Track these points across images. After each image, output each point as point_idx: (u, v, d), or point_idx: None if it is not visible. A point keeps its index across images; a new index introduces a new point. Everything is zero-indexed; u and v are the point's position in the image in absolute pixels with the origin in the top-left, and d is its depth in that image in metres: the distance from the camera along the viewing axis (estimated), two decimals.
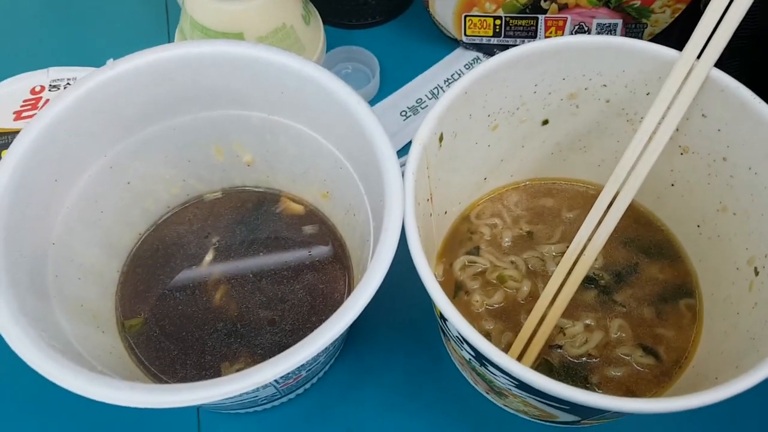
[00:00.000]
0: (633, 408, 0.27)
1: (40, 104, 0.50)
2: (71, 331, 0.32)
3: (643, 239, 0.42)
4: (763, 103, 0.34)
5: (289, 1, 0.45)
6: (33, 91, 0.50)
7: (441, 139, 0.36)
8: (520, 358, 0.37)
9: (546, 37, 0.52)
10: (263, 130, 0.39)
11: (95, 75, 0.34)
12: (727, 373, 0.31)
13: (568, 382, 0.28)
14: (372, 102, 0.53)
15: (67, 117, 0.33)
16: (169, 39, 0.58)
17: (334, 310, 0.28)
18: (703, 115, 0.36)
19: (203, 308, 0.39)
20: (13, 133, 0.48)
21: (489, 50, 0.55)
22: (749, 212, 0.36)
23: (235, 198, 0.44)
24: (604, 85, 0.38)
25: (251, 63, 0.35)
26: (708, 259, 0.40)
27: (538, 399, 0.32)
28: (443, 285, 0.39)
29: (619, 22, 0.51)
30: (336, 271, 0.41)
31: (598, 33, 0.51)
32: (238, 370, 0.27)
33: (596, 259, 0.39)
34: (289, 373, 0.28)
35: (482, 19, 0.52)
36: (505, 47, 0.53)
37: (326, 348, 0.28)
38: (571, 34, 0.52)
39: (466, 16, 0.52)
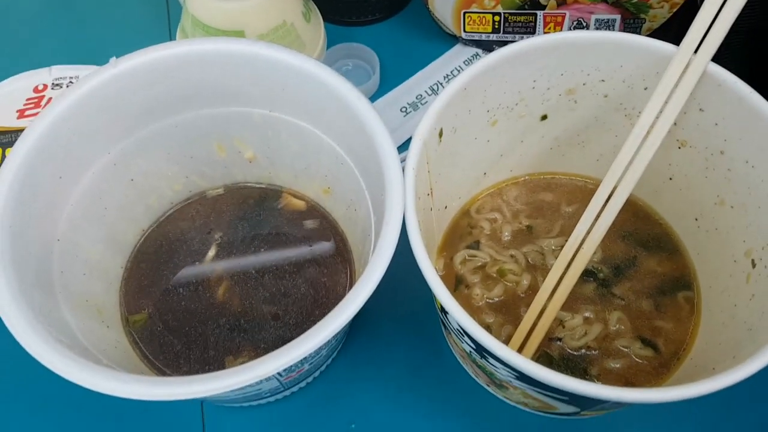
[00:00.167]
0: (631, 398, 0.28)
1: (43, 102, 0.50)
2: (77, 326, 0.33)
3: (642, 233, 0.43)
4: (760, 97, 0.34)
5: None
6: (36, 90, 0.51)
7: (441, 134, 0.36)
8: (520, 351, 0.38)
9: (545, 32, 0.53)
10: (265, 126, 0.39)
11: (98, 73, 0.34)
12: (725, 363, 0.31)
13: (567, 374, 0.28)
14: (372, 98, 0.54)
15: (71, 115, 0.34)
16: (171, 37, 0.58)
17: (337, 304, 0.29)
18: (700, 109, 0.36)
19: (206, 303, 0.40)
20: (17, 132, 0.49)
21: (488, 46, 0.55)
22: (746, 205, 0.36)
23: (237, 194, 0.44)
24: (603, 80, 0.38)
25: (252, 60, 0.35)
26: (706, 251, 0.40)
27: (539, 390, 0.33)
28: (444, 279, 0.39)
29: (618, 17, 0.51)
30: (337, 266, 0.41)
31: (597, 28, 0.51)
32: (241, 364, 0.28)
33: (595, 253, 0.40)
34: (291, 366, 0.28)
35: (481, 15, 0.53)
36: (504, 43, 0.53)
37: (328, 341, 0.28)
38: (570, 29, 0.52)
39: (465, 13, 0.53)
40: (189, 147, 0.41)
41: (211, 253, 0.42)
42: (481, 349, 0.32)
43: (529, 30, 0.53)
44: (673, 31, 0.50)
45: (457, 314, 0.30)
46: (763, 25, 0.43)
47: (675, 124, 0.37)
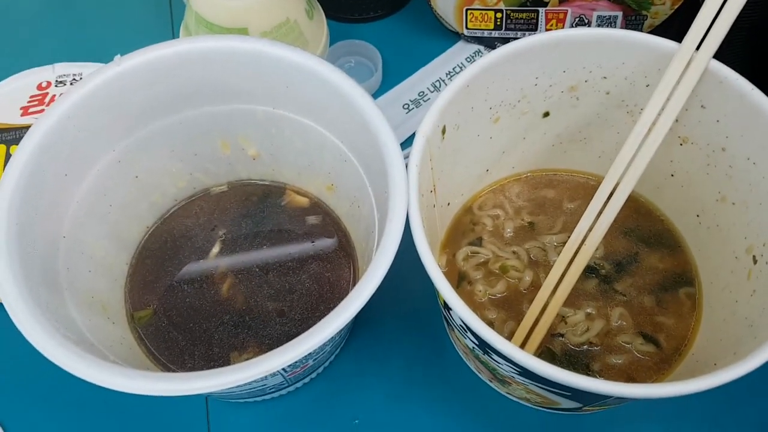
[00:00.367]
0: (633, 393, 0.28)
1: (47, 100, 0.50)
2: (83, 322, 0.33)
3: (643, 229, 0.43)
4: (761, 94, 0.34)
5: None
6: (39, 87, 0.51)
7: (443, 131, 0.36)
8: (522, 347, 0.38)
9: (547, 29, 0.53)
10: (268, 123, 0.40)
11: (102, 71, 0.34)
12: (726, 359, 0.31)
13: (569, 370, 0.28)
14: (375, 95, 0.54)
15: (76, 113, 0.34)
16: (174, 35, 0.58)
17: (341, 300, 0.29)
18: (702, 106, 0.37)
19: (211, 299, 0.40)
20: (21, 129, 0.49)
21: (490, 43, 0.55)
22: (748, 202, 0.36)
23: (240, 191, 0.44)
24: (605, 78, 0.39)
25: (256, 58, 0.35)
26: (707, 248, 0.40)
27: (541, 386, 0.33)
28: (447, 275, 0.39)
29: (619, 14, 0.51)
30: (341, 262, 0.41)
31: (599, 25, 0.52)
32: (247, 360, 0.28)
33: (597, 249, 0.40)
34: (296, 362, 0.28)
35: (483, 12, 0.53)
36: (506, 40, 0.54)
37: (332, 337, 0.29)
38: (572, 26, 0.52)
39: (467, 10, 0.53)
40: (193, 144, 0.41)
41: (215, 249, 0.42)
42: (484, 345, 0.32)
43: (531, 27, 0.53)
44: (675, 27, 0.50)
45: (460, 310, 0.30)
46: (765, 21, 0.43)
47: (677, 121, 0.37)
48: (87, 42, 0.59)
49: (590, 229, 0.39)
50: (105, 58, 0.35)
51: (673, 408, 0.41)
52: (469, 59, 0.56)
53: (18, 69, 0.51)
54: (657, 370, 0.38)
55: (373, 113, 0.33)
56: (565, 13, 0.52)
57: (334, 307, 0.29)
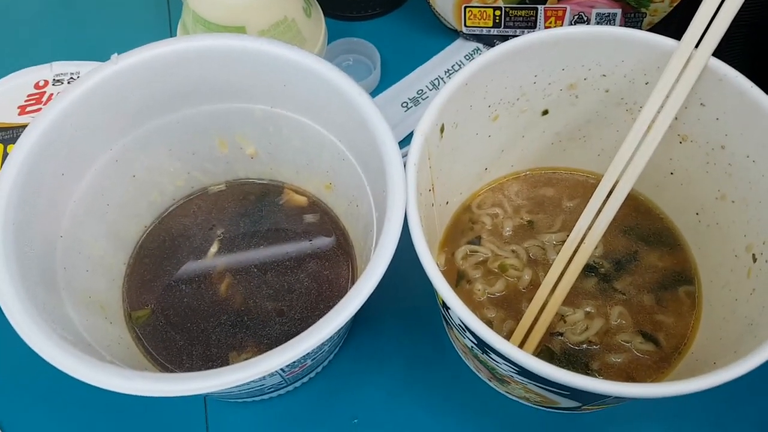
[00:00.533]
0: (632, 393, 0.28)
1: (44, 99, 0.50)
2: (80, 322, 0.33)
3: (643, 227, 0.43)
4: (761, 91, 0.34)
5: None
6: (37, 86, 0.51)
7: (442, 130, 0.36)
8: (521, 346, 0.38)
9: (546, 27, 0.53)
10: (266, 122, 0.40)
11: (100, 70, 0.34)
12: (726, 358, 0.31)
13: (569, 369, 0.28)
14: (373, 93, 0.54)
15: (73, 111, 0.34)
16: (171, 33, 0.58)
17: (339, 299, 0.29)
18: (701, 104, 0.36)
19: (209, 299, 0.40)
20: (18, 128, 0.49)
21: (489, 41, 0.55)
22: (747, 200, 0.36)
23: (238, 190, 0.44)
24: (604, 75, 0.38)
25: (253, 56, 0.35)
26: (707, 246, 0.40)
27: (540, 385, 0.33)
28: (445, 274, 0.39)
29: (618, 11, 0.51)
30: (339, 261, 0.41)
31: (598, 23, 0.51)
32: (245, 360, 0.28)
33: (596, 248, 0.40)
34: (294, 362, 0.28)
35: (482, 9, 0.53)
36: (505, 38, 0.54)
37: (331, 337, 0.28)
38: (571, 23, 0.52)
39: (465, 7, 0.53)
40: (191, 143, 0.41)
41: (213, 248, 0.42)
42: (482, 345, 0.32)
43: (530, 24, 0.53)
44: (674, 25, 0.50)
45: (459, 310, 0.30)
46: (764, 19, 0.43)
47: (676, 118, 0.37)
48: (84, 40, 0.59)
49: (589, 228, 0.39)
50: (103, 56, 0.35)
51: (673, 407, 0.41)
52: (468, 57, 0.55)
53: (15, 67, 0.51)
54: (656, 369, 0.38)
55: (371, 111, 0.33)
56: (564, 11, 0.51)
57: (333, 305, 0.29)
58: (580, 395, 0.33)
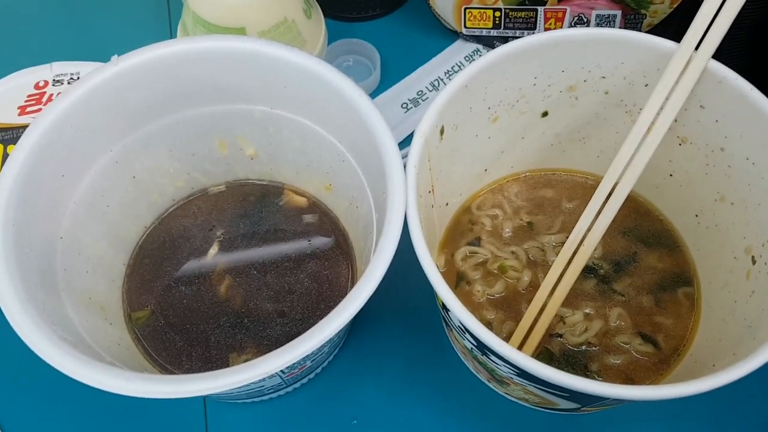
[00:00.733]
0: (632, 395, 0.28)
1: (44, 99, 0.50)
2: (80, 323, 0.33)
3: (642, 229, 0.43)
4: (761, 94, 0.34)
5: None
6: (37, 86, 0.51)
7: (442, 131, 0.36)
8: (521, 347, 0.38)
9: (545, 28, 0.53)
10: (266, 123, 0.40)
11: (100, 71, 0.34)
12: (725, 360, 0.31)
13: (568, 371, 0.28)
14: (373, 94, 0.54)
15: (74, 113, 0.34)
16: (171, 34, 0.58)
17: (339, 300, 0.29)
18: (701, 106, 0.37)
19: (209, 300, 0.40)
20: (18, 128, 0.49)
21: (489, 42, 0.55)
22: (747, 202, 0.36)
23: (238, 191, 0.44)
24: (603, 77, 0.39)
25: (253, 58, 0.35)
26: (706, 248, 0.40)
27: (539, 387, 0.33)
28: (445, 275, 0.40)
29: (618, 13, 0.51)
30: (339, 262, 0.41)
31: (598, 24, 0.51)
32: (245, 361, 0.28)
33: (596, 249, 0.40)
34: (294, 364, 0.28)
35: (482, 11, 0.53)
36: (504, 39, 0.54)
37: (330, 339, 0.29)
38: (571, 25, 0.52)
39: (465, 8, 0.53)
40: (191, 144, 0.41)
41: (213, 249, 0.42)
42: (482, 346, 0.32)
43: (530, 26, 0.53)
44: (674, 26, 0.50)
45: (458, 311, 0.30)
46: (764, 21, 0.43)
47: (676, 120, 0.37)
48: (85, 41, 0.59)
49: (589, 229, 0.39)
50: (103, 57, 0.35)
51: (672, 408, 0.41)
52: (467, 58, 0.56)
53: (15, 68, 0.51)
54: (656, 371, 0.38)
55: (371, 113, 0.33)
56: (564, 12, 0.52)
57: (334, 305, 0.29)
58: (579, 397, 0.33)
